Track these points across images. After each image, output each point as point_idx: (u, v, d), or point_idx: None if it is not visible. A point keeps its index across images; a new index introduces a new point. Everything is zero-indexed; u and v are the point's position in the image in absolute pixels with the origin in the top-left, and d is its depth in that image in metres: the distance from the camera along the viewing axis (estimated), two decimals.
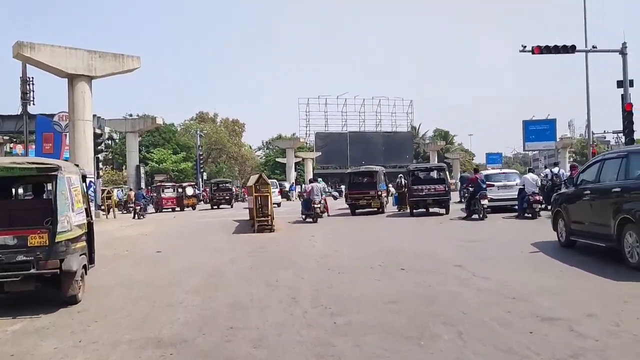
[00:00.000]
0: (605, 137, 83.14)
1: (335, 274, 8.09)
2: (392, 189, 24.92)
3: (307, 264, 9.22)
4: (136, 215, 25.71)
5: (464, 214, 17.37)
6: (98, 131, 30.08)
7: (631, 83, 21.33)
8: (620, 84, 21.51)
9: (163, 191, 32.43)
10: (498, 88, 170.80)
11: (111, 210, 27.21)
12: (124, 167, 50.84)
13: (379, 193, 20.30)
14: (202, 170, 50.64)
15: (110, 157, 64.04)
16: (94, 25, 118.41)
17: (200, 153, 51.55)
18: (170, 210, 31.30)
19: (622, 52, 21.54)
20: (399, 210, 21.05)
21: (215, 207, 32.65)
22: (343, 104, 71.76)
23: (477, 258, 9.00)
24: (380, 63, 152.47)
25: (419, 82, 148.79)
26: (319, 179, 21.19)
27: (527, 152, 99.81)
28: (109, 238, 15.18)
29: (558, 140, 59.96)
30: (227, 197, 33.67)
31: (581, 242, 9.33)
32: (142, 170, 41.56)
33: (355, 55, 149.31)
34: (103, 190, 27.99)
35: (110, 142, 64.22)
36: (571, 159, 63.57)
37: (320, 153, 65.14)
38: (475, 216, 16.34)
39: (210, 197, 35.27)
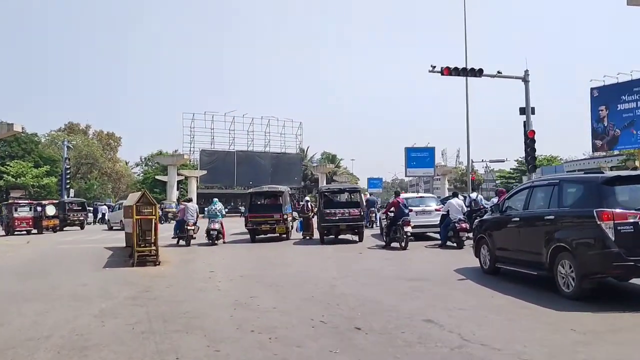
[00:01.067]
0: (474, 166, 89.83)
1: (265, 340, 5.42)
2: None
3: (217, 320, 6.41)
4: None
5: (382, 242, 15.59)
6: None
7: (533, 110, 21.44)
8: (522, 110, 21.51)
9: (16, 210, 26.94)
10: (381, 113, 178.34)
11: None
12: None
13: (285, 217, 17.66)
14: (68, 186, 44.25)
15: None
16: None
17: (67, 167, 45.16)
18: (24, 233, 26.29)
19: (525, 79, 21.67)
20: (304, 237, 18.68)
21: (64, 229, 29.31)
22: (231, 122, 68.37)
23: (443, 308, 6.86)
24: (271, 83, 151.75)
25: (308, 105, 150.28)
26: (215, 200, 18.12)
27: (404, 178, 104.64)
28: None
29: (437, 167, 62.60)
30: (82, 218, 30.83)
31: (506, 269, 8.92)
32: None
33: (245, 73, 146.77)
34: None
35: None
36: (451, 186, 67.00)
37: (205, 171, 61.00)
38: (395, 244, 14.57)
39: (62, 217, 29.88)
